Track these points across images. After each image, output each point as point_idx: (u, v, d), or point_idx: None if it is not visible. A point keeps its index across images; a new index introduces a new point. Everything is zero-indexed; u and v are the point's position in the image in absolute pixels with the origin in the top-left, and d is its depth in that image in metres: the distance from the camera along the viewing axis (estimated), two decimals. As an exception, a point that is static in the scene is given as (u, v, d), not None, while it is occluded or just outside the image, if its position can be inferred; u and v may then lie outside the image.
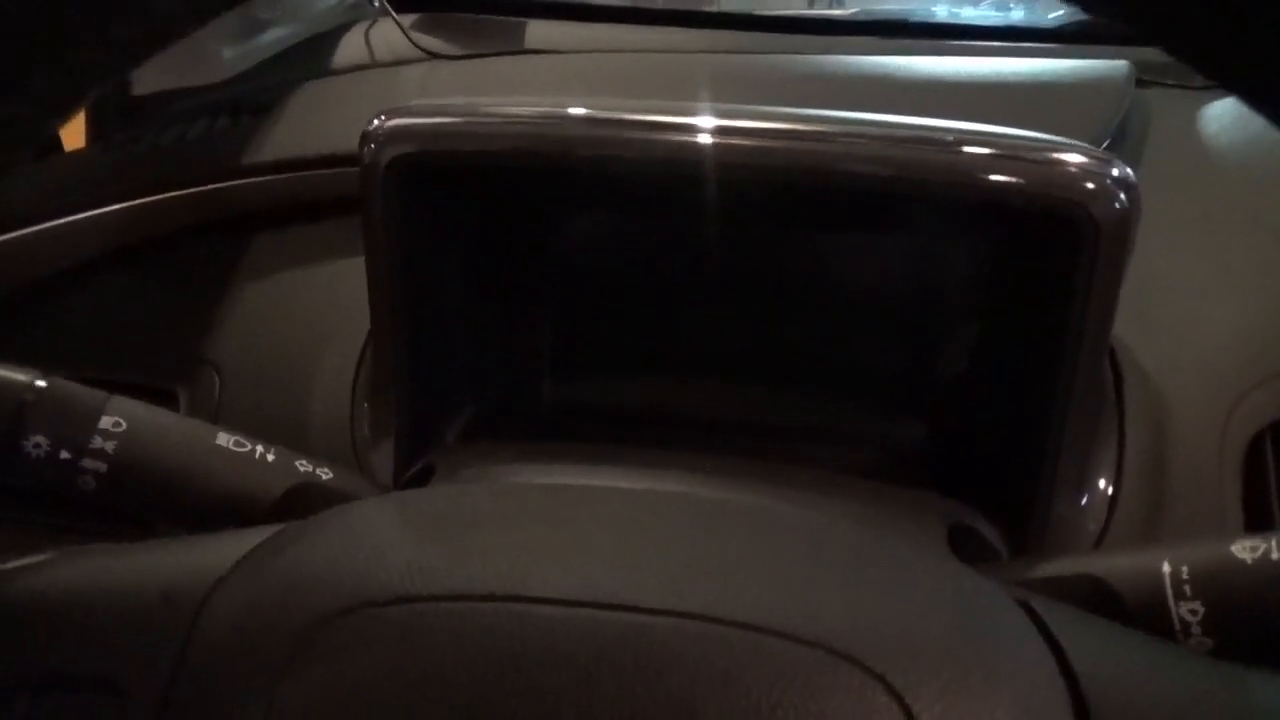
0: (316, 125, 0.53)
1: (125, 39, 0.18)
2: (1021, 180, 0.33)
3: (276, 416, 0.44)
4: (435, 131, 0.37)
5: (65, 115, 0.19)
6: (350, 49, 0.63)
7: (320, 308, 0.47)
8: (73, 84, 0.18)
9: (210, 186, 0.50)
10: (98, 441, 0.29)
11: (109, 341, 0.48)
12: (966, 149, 0.34)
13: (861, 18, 0.73)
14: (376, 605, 0.19)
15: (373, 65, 0.62)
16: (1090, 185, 0.33)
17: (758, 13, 0.71)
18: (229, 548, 0.22)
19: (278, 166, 0.51)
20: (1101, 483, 0.37)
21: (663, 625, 0.18)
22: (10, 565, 0.23)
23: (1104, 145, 0.48)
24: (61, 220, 0.50)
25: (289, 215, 0.50)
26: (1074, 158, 0.33)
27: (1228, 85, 0.15)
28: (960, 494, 0.36)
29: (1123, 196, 0.33)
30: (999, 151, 0.34)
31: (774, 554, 0.21)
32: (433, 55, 0.62)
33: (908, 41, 0.64)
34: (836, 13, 0.86)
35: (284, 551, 0.21)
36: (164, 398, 0.45)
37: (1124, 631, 0.22)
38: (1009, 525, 0.35)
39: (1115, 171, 0.33)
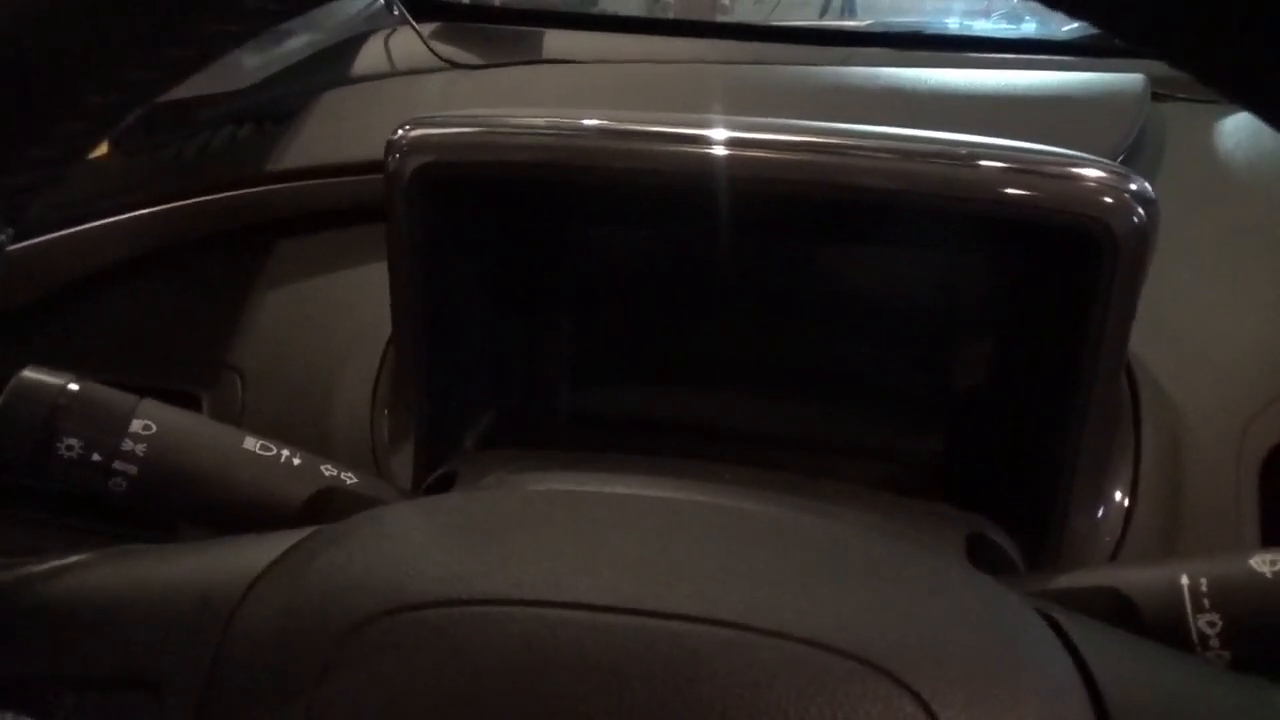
0: (338, 134, 0.54)
1: (174, 57, 0.19)
2: (1040, 194, 0.33)
3: (298, 421, 0.44)
4: (459, 142, 0.37)
5: (117, 126, 0.20)
6: (370, 57, 0.64)
7: (341, 314, 0.48)
8: (124, 99, 0.19)
9: (233, 193, 0.51)
10: (128, 444, 0.30)
11: (133, 345, 0.49)
12: (985, 163, 0.34)
13: (875, 29, 0.73)
14: (414, 609, 0.19)
15: (392, 74, 0.62)
16: (1109, 200, 0.33)
17: (773, 23, 0.71)
18: (265, 550, 0.23)
19: (300, 174, 0.51)
20: (1118, 496, 0.37)
21: (694, 632, 0.18)
22: (50, 565, 0.23)
23: (1119, 159, 0.48)
24: (86, 226, 0.51)
25: (311, 222, 0.51)
26: (1092, 172, 0.33)
27: (1235, 98, 0.15)
28: (976, 506, 0.37)
29: (1141, 211, 0.33)
30: (1017, 166, 0.34)
31: (802, 563, 0.21)
32: (452, 64, 0.62)
33: (921, 54, 0.64)
34: (850, 24, 0.86)
35: (320, 555, 0.22)
36: (187, 401, 0.45)
37: (1146, 644, 0.22)
38: (1025, 537, 0.36)
39: (1134, 186, 0.33)
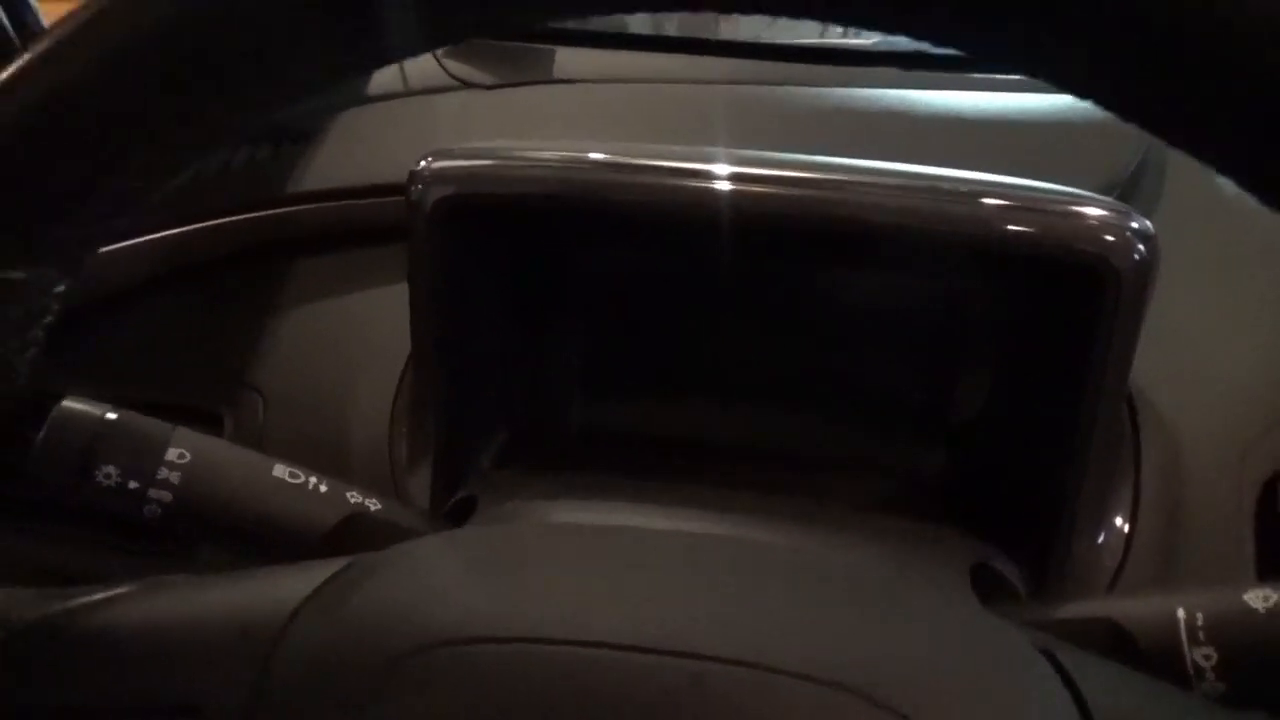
0: (356, 155, 0.55)
1: (220, 124, 0.20)
2: (1042, 233, 0.34)
3: (318, 441, 0.45)
4: (478, 174, 0.39)
5: (168, 184, 0.21)
6: (385, 76, 0.65)
7: (359, 334, 0.49)
8: (176, 160, 0.20)
9: (253, 215, 0.52)
10: (164, 473, 0.31)
11: (154, 364, 0.50)
12: (988, 201, 0.35)
13: (882, 48, 0.74)
14: (451, 645, 0.20)
15: (406, 93, 0.63)
16: (1110, 238, 0.34)
17: (781, 42, 0.72)
18: (302, 580, 0.24)
19: (319, 196, 0.52)
20: (1118, 521, 0.38)
21: (713, 671, 0.19)
22: (95, 598, 0.24)
23: (1123, 181, 0.49)
24: (106, 247, 0.52)
25: (330, 243, 0.52)
26: (1093, 210, 0.34)
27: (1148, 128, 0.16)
28: (979, 528, 0.38)
29: (1141, 248, 0.34)
30: (1019, 205, 0.35)
31: (817, 601, 0.22)
32: (464, 83, 0.63)
33: (928, 73, 0.65)
34: (858, 43, 0.87)
35: (358, 587, 0.23)
36: (210, 420, 0.46)
37: (1144, 680, 0.23)
38: (1027, 562, 0.37)
39: (1135, 224, 0.34)
